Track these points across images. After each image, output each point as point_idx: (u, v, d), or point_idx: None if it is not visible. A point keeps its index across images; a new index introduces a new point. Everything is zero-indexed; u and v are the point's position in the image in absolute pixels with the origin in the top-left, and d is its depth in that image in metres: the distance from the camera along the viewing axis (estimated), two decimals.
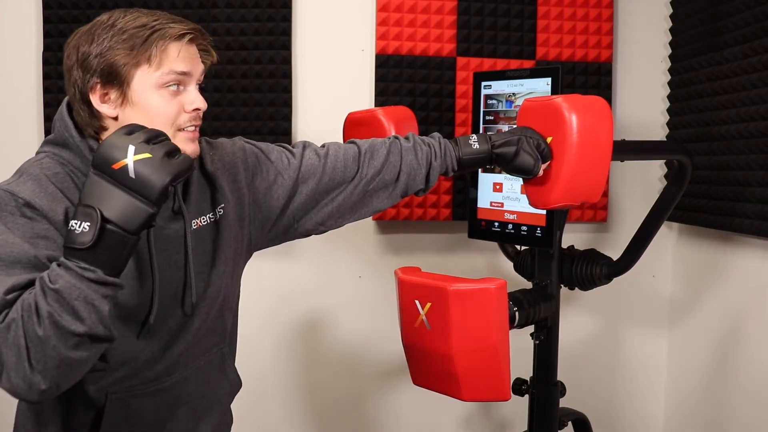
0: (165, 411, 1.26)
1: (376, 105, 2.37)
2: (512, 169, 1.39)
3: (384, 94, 2.37)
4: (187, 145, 1.16)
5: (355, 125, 1.85)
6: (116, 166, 1.00)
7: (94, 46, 1.12)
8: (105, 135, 1.17)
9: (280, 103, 2.34)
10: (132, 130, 1.04)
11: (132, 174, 0.99)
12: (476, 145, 1.39)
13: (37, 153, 1.20)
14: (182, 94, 1.16)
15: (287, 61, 2.34)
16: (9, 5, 2.29)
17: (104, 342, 1.03)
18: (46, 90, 2.27)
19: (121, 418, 1.21)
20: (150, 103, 1.13)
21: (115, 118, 1.15)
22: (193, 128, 1.18)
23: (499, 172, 1.93)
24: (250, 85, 2.32)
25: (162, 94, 1.13)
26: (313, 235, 1.43)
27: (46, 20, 2.27)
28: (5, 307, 0.99)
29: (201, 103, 1.17)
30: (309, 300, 2.46)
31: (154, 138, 1.04)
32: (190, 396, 1.30)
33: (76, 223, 0.98)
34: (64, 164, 1.15)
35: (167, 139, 1.06)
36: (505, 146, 1.37)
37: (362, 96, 2.40)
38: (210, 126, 2.29)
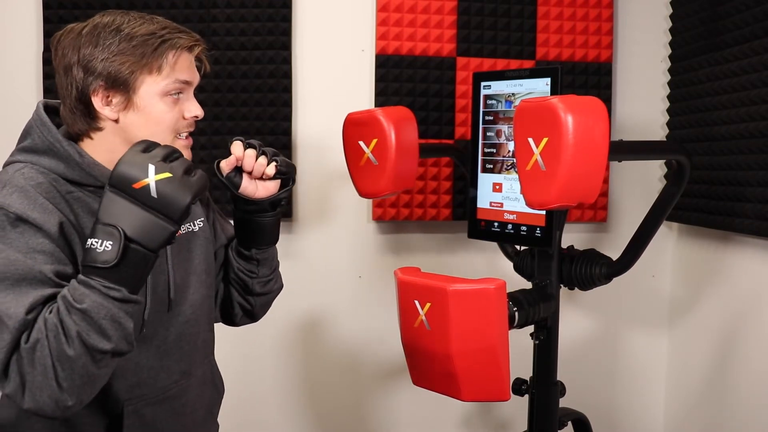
0: (176, 421, 1.27)
1: (376, 105, 2.37)
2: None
3: (384, 94, 2.37)
4: (184, 151, 1.19)
5: (355, 125, 1.85)
6: (137, 186, 1.00)
7: (99, 50, 1.12)
8: (97, 136, 1.17)
9: (280, 103, 2.34)
10: (148, 146, 1.05)
11: (154, 194, 1.01)
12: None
13: (12, 162, 1.17)
14: (182, 101, 1.19)
15: (287, 61, 2.34)
16: (9, 5, 2.29)
17: (123, 355, 1.05)
18: (47, 90, 2.27)
19: (139, 428, 1.22)
20: (154, 110, 1.15)
21: (116, 121, 1.15)
22: (186, 134, 1.22)
23: (501, 172, 1.93)
24: (250, 85, 2.32)
25: (165, 102, 1.16)
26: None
27: (46, 20, 2.27)
28: (27, 327, 0.99)
29: (199, 111, 1.21)
30: (309, 300, 2.46)
31: (170, 155, 1.05)
32: (193, 406, 1.32)
33: (97, 242, 0.99)
34: (44, 173, 1.13)
35: (181, 155, 1.07)
36: None
37: (362, 96, 2.40)
38: (210, 126, 2.29)
